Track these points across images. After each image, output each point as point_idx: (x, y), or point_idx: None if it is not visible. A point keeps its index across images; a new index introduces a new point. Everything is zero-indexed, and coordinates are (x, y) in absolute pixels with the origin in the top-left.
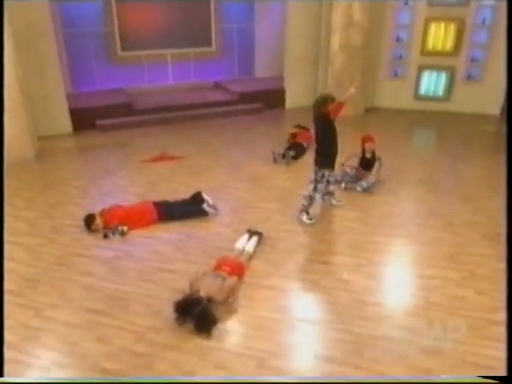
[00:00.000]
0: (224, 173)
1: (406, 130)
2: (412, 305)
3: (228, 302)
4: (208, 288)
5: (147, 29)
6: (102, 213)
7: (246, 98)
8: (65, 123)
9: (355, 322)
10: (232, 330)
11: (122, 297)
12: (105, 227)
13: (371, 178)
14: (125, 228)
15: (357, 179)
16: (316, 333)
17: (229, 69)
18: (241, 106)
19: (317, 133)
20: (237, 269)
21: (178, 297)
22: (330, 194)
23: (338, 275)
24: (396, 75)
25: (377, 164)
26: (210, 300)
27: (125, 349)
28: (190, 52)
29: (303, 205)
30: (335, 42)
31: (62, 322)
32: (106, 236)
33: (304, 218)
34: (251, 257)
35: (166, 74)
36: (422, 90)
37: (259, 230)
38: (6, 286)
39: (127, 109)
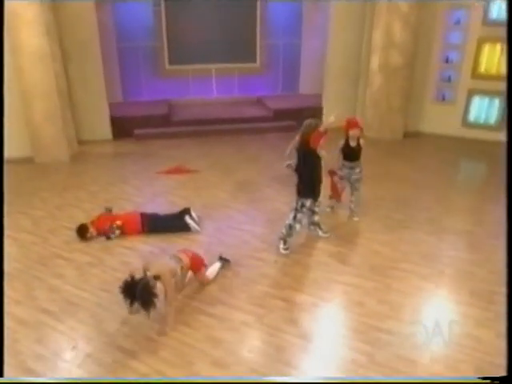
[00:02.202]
0: (226, 191)
1: (445, 160)
2: (350, 360)
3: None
4: (158, 268)
5: (194, 44)
6: (93, 221)
7: (280, 115)
8: (105, 130)
9: (272, 370)
10: (154, 352)
11: (77, 302)
12: (98, 233)
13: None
14: (118, 222)
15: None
16: (233, 372)
17: (272, 84)
18: (273, 123)
19: (298, 159)
20: (195, 260)
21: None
22: (316, 224)
23: (287, 314)
24: (443, 99)
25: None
26: (156, 278)
27: (55, 354)
28: (234, 67)
29: (282, 233)
30: (374, 61)
31: (17, 319)
32: (108, 238)
33: (280, 246)
34: (209, 282)
35: (210, 87)
36: (472, 116)
37: (228, 257)
38: None
39: (164, 120)
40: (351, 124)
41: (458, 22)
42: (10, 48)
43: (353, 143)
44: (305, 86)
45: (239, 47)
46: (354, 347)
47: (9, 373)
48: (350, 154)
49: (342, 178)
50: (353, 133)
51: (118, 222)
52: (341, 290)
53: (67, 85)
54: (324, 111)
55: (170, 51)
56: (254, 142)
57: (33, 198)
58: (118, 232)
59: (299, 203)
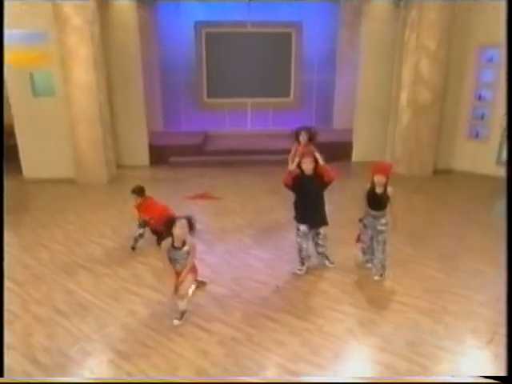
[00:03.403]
0: (244, 217)
1: (474, 198)
2: None
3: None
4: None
5: (231, 79)
6: (141, 206)
7: None
8: (143, 157)
9: None
10: (145, 356)
11: (87, 306)
12: (139, 216)
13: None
14: (141, 231)
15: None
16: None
17: (306, 119)
18: None
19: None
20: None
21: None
22: (322, 254)
23: (277, 335)
24: (476, 136)
25: (388, 207)
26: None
27: (59, 349)
28: (269, 102)
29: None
30: (403, 97)
31: (34, 315)
32: (133, 248)
33: (297, 267)
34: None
35: (245, 120)
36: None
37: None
38: (17, 277)
39: (197, 149)
40: (377, 169)
41: (490, 60)
42: (63, 79)
43: (379, 190)
44: (339, 121)
45: (274, 82)
46: (334, 373)
47: (18, 361)
48: (375, 202)
49: (365, 226)
50: (377, 179)
51: (147, 218)
52: (334, 317)
53: (111, 114)
54: (354, 145)
55: (209, 85)
56: (280, 174)
57: (69, 213)
58: (141, 230)
59: (296, 227)
